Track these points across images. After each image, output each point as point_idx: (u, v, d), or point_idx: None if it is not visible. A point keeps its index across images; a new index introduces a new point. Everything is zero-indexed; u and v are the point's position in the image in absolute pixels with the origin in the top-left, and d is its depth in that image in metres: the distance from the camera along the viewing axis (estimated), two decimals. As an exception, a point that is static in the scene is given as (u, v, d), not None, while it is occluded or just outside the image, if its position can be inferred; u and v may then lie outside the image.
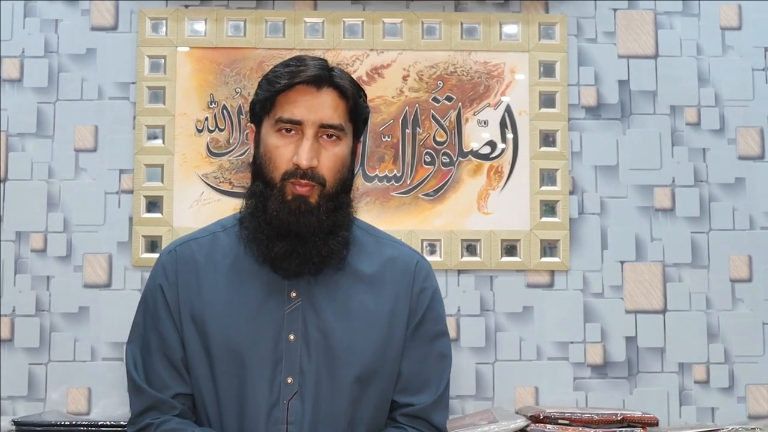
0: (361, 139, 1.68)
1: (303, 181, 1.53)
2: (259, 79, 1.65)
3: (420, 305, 1.66)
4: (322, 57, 1.64)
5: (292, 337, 1.57)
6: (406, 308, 1.64)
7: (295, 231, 1.54)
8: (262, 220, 1.57)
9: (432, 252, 2.53)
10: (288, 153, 1.55)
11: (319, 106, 1.55)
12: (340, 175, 1.58)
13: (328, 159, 1.56)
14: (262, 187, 1.58)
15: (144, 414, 1.59)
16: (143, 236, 2.52)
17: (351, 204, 1.64)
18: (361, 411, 1.59)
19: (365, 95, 1.65)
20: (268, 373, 1.56)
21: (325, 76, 1.57)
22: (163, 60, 2.58)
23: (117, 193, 2.55)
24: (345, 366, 1.57)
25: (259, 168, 1.60)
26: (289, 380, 1.56)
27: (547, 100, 2.60)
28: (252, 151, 1.65)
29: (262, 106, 1.60)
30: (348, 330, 1.58)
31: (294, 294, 1.59)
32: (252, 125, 1.66)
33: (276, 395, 1.56)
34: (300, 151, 1.53)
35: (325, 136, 1.56)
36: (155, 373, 1.60)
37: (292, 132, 1.56)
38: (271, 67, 1.64)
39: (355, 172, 1.67)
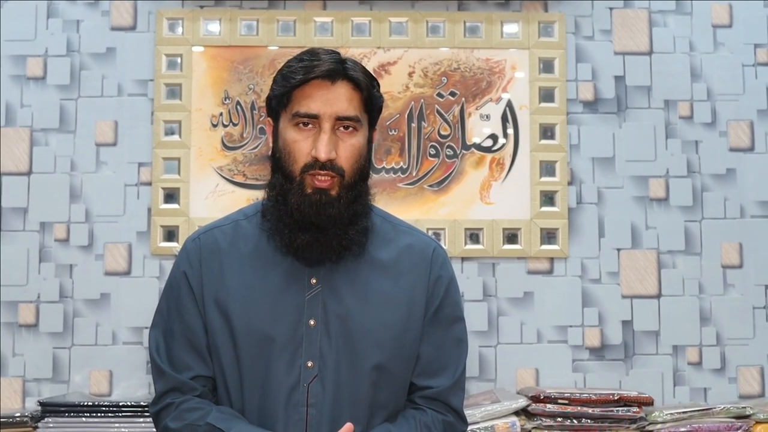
0: (376, 127, 1.69)
1: (323, 173, 1.54)
2: (274, 75, 1.66)
3: (437, 292, 1.65)
4: (333, 50, 1.64)
5: (312, 322, 1.58)
6: (423, 295, 1.64)
7: (317, 223, 1.54)
8: (283, 213, 1.58)
9: (437, 240, 2.60)
10: (306, 146, 1.55)
11: (335, 99, 1.56)
12: (358, 165, 1.59)
13: (346, 150, 1.56)
14: (282, 180, 1.59)
15: (165, 395, 1.62)
16: (161, 226, 2.62)
17: (369, 192, 1.66)
18: (381, 394, 1.59)
19: (378, 85, 1.66)
20: (289, 356, 1.58)
21: (338, 70, 1.57)
22: (179, 58, 2.68)
23: (136, 185, 2.65)
24: (365, 351, 1.57)
25: (278, 161, 1.61)
26: (309, 364, 1.57)
27: (547, 95, 2.69)
28: (270, 145, 1.67)
29: (279, 101, 1.61)
30: (367, 315, 1.58)
31: (314, 280, 1.59)
32: (269, 119, 1.67)
33: (296, 378, 1.57)
34: (318, 145, 1.53)
35: (341, 128, 1.56)
36: (177, 356, 1.61)
37: (310, 125, 1.55)
38: (284, 62, 1.64)
39: (372, 160, 1.69)
